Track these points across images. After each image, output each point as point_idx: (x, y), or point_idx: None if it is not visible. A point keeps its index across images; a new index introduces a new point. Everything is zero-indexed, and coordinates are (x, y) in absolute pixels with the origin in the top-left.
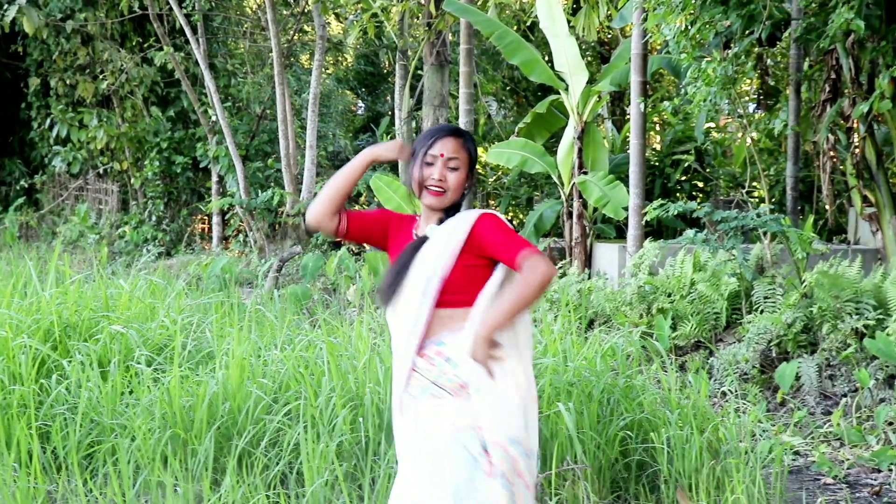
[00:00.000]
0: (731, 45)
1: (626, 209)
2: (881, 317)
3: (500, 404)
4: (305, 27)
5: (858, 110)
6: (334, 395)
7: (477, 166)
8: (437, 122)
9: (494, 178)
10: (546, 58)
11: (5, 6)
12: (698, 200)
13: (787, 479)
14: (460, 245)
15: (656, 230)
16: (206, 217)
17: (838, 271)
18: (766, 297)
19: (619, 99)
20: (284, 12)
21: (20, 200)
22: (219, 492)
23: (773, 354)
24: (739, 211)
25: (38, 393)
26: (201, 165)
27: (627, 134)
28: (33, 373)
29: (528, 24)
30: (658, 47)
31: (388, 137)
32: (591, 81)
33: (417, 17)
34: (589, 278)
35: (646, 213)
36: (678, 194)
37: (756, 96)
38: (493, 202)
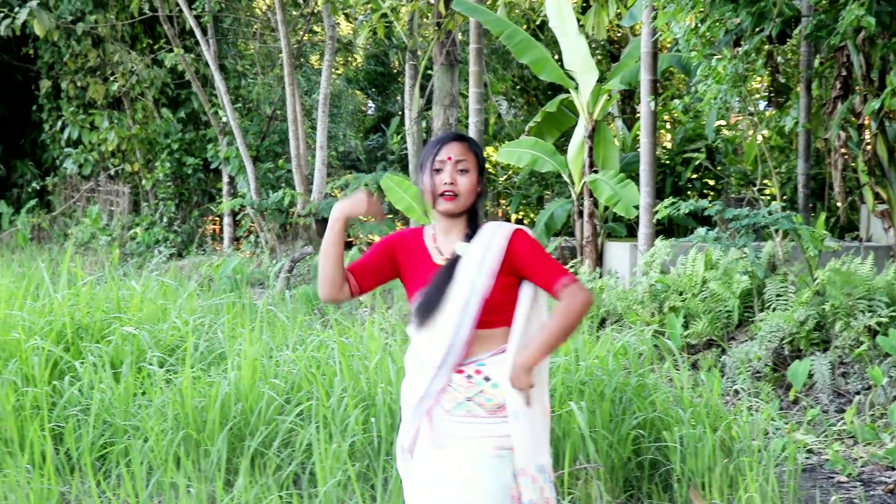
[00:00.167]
0: (742, 42)
1: (637, 208)
2: (894, 314)
3: (532, 431)
4: (315, 28)
5: (870, 107)
6: (346, 396)
7: (486, 171)
8: (448, 122)
9: (505, 177)
10: (556, 57)
11: (16, 9)
12: (709, 198)
13: (801, 478)
14: (498, 265)
15: (667, 228)
16: (217, 218)
17: (850, 268)
18: (778, 295)
19: (629, 97)
20: (294, 13)
21: (32, 202)
22: (231, 492)
23: (786, 352)
24: (751, 209)
25: (51, 394)
26: (212, 166)
27: (638, 132)
28: (46, 374)
29: (538, 23)
30: (668, 45)
31: (399, 137)
32: (602, 80)
33: (427, 17)
34: (600, 277)
35: (657, 212)
36: (689, 192)
37: (767, 94)
38: (503, 201)
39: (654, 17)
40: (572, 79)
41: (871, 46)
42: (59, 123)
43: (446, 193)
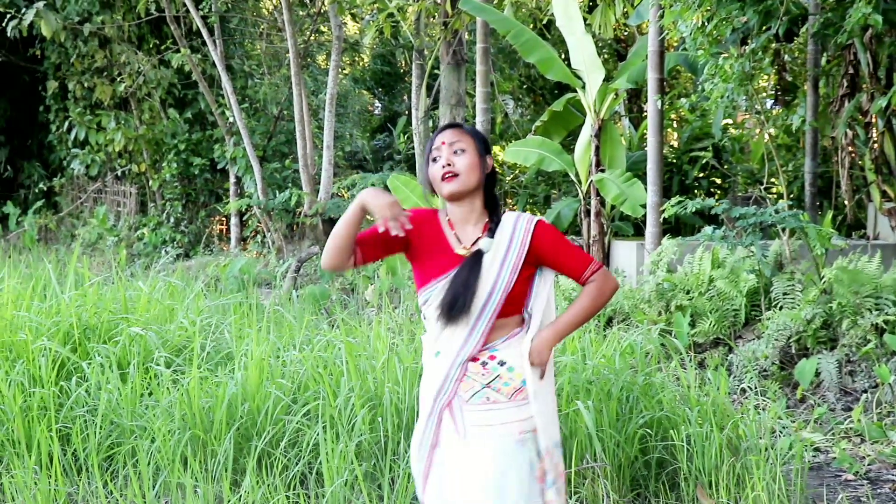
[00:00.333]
0: (748, 41)
1: (643, 206)
2: None
3: (548, 409)
4: (322, 28)
5: (877, 105)
6: (353, 395)
7: (490, 153)
8: (454, 121)
9: (512, 176)
10: (562, 56)
11: (23, 10)
12: (716, 197)
13: (808, 476)
14: (522, 260)
15: (674, 227)
16: (224, 218)
17: (858, 267)
18: (785, 294)
19: (636, 96)
20: (301, 13)
21: (39, 203)
22: (238, 492)
23: (793, 351)
24: (758, 207)
25: (58, 395)
26: (219, 167)
27: (645, 131)
28: (53, 375)
29: (545, 22)
30: (675, 44)
31: (406, 137)
32: (608, 79)
33: (433, 17)
34: None
35: (664, 211)
36: (696, 191)
37: (774, 92)
38: (510, 201)
39: (661, 16)
40: (579, 78)
41: (878, 44)
42: (66, 124)
43: (446, 176)
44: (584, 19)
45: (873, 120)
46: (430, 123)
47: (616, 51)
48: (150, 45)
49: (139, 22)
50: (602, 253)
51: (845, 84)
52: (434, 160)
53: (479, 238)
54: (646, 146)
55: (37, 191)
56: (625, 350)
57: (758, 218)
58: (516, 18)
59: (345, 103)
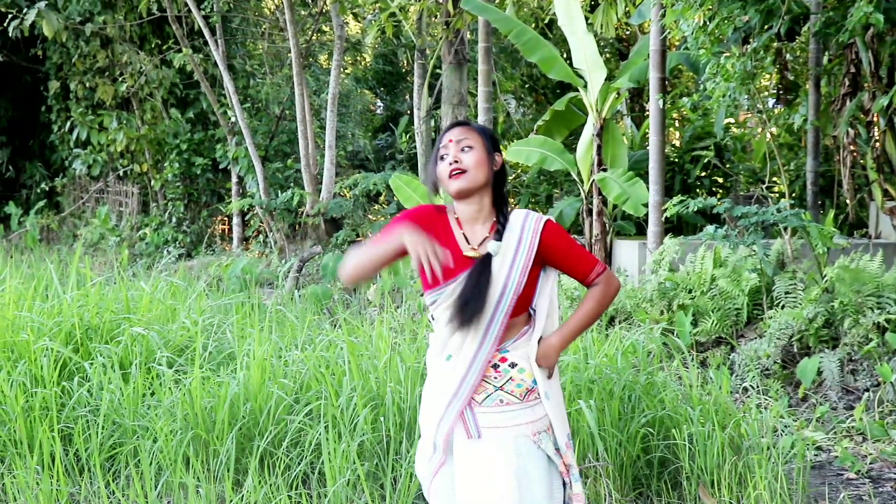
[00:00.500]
0: (750, 40)
1: (645, 206)
2: None
3: (560, 404)
4: (324, 27)
5: (878, 104)
6: (355, 395)
7: (499, 150)
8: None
9: (514, 175)
10: (564, 55)
11: (25, 10)
12: (718, 196)
13: (810, 475)
14: (531, 261)
15: (676, 226)
16: (226, 218)
17: (859, 266)
18: (787, 293)
19: (637, 95)
20: (303, 13)
21: (41, 203)
22: (241, 492)
23: (795, 350)
24: (760, 206)
25: (60, 395)
26: (221, 167)
27: (646, 130)
28: (55, 375)
29: (546, 21)
30: (676, 43)
31: (408, 137)
32: (610, 78)
33: (435, 16)
34: None
35: (666, 210)
36: (698, 190)
37: (775, 91)
38: (512, 200)
39: (663, 15)
40: (581, 77)
41: (879, 43)
42: (68, 124)
43: (453, 172)
44: (586, 18)
45: (875, 119)
46: (433, 123)
47: (618, 50)
48: (152, 45)
49: (141, 22)
50: (604, 252)
51: (847, 83)
52: (442, 158)
53: (486, 238)
54: (648, 145)
55: (39, 191)
56: (627, 349)
57: (760, 217)
58: (518, 18)
59: (347, 103)
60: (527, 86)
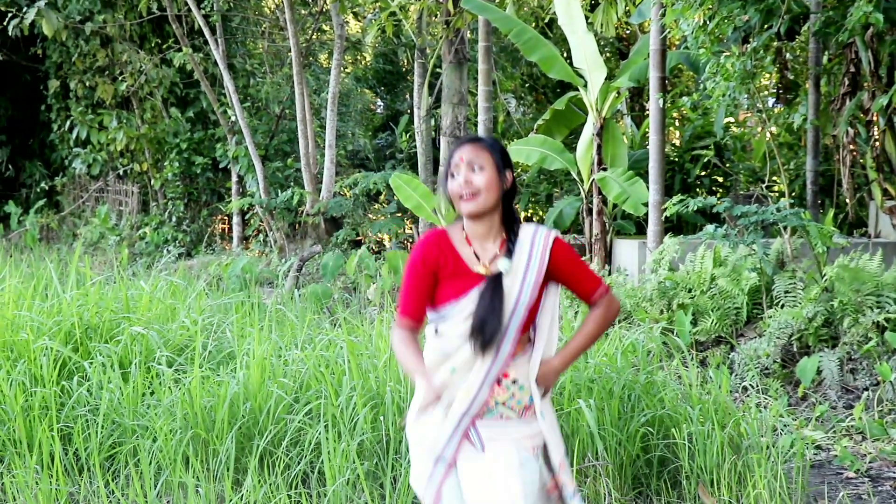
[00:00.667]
0: (750, 39)
1: (645, 205)
2: None
3: (554, 425)
4: (324, 26)
5: (878, 103)
6: (355, 394)
7: (511, 168)
8: (456, 120)
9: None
10: (564, 54)
11: (24, 9)
12: (718, 195)
13: (809, 474)
14: (542, 277)
15: (676, 226)
16: (226, 217)
17: (859, 265)
18: (786, 292)
19: (637, 95)
20: (303, 12)
21: (41, 202)
22: (240, 492)
23: (794, 349)
24: (759, 205)
25: (59, 395)
26: (221, 166)
27: (646, 130)
28: (55, 375)
29: (547, 20)
30: (676, 43)
31: (408, 136)
32: (610, 77)
33: (435, 15)
34: (609, 274)
35: (665, 209)
36: (698, 190)
37: (775, 90)
38: None
39: (663, 15)
40: (581, 76)
41: (879, 43)
42: (68, 123)
43: (464, 195)
44: (586, 18)
45: (874, 118)
46: (433, 122)
47: (618, 49)
48: (152, 44)
49: (141, 21)
50: (604, 251)
51: (846, 82)
52: (452, 176)
53: (496, 255)
54: (648, 144)
55: (38, 190)
56: (627, 348)
57: (759, 216)
58: (518, 17)
59: (347, 102)
60: (527, 85)
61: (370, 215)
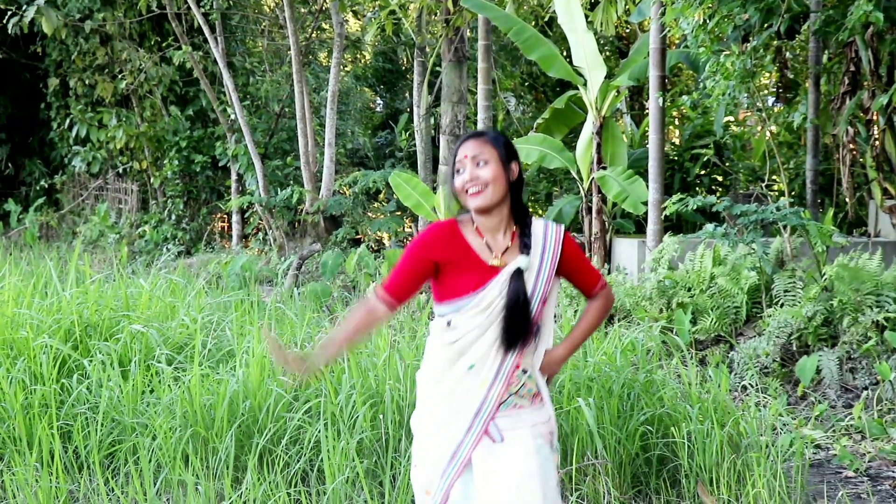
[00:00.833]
0: (750, 38)
1: (645, 204)
2: None
3: (552, 411)
4: (323, 25)
5: (878, 103)
6: (354, 393)
7: (517, 161)
8: (456, 119)
9: None
10: (564, 53)
11: (24, 7)
12: (718, 194)
13: (808, 473)
14: (555, 270)
15: (676, 225)
16: (225, 215)
17: (858, 264)
18: (786, 291)
19: (637, 94)
20: (302, 10)
21: (40, 200)
22: (240, 490)
23: (794, 348)
24: (759, 204)
25: (59, 393)
26: (220, 164)
27: (646, 129)
28: (54, 373)
29: (546, 19)
30: (676, 41)
31: (407, 134)
32: (610, 76)
33: (435, 14)
34: (608, 273)
35: (665, 208)
36: (697, 188)
37: (775, 89)
38: None
39: (663, 14)
40: (581, 75)
41: (879, 42)
42: (68, 121)
43: (470, 190)
44: (586, 16)
45: (874, 117)
46: (432, 121)
47: (618, 48)
48: (152, 43)
49: (140, 19)
50: (604, 250)
51: (846, 81)
52: (458, 172)
53: (508, 247)
54: (647, 143)
55: (38, 188)
56: (626, 347)
57: (759, 215)
58: (518, 16)
59: (346, 100)
60: (526, 84)
61: (369, 214)
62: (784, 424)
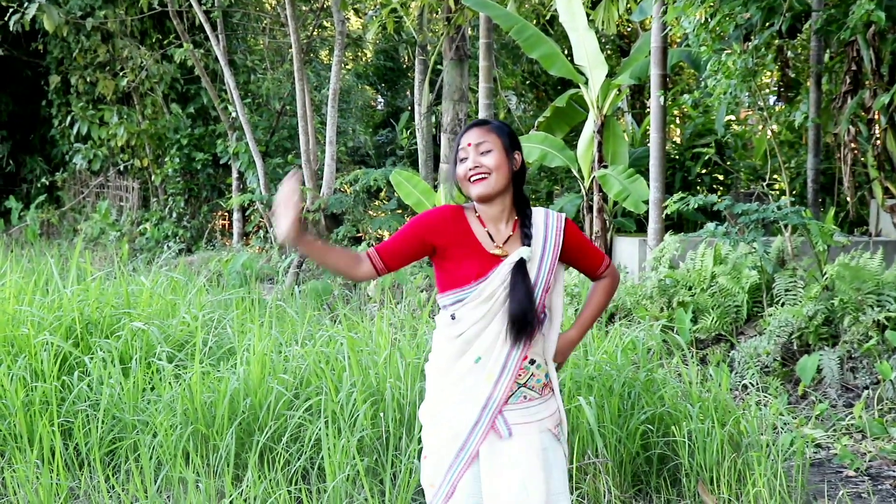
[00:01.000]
0: (752, 37)
1: (646, 203)
2: None
3: (561, 402)
4: (325, 23)
5: (879, 102)
6: (355, 391)
7: (519, 149)
8: (457, 117)
9: None
10: (565, 52)
11: (25, 4)
12: (719, 193)
13: (809, 472)
14: (557, 258)
15: (677, 223)
16: (226, 213)
17: (860, 263)
18: (787, 290)
19: (638, 92)
20: (304, 8)
21: (41, 198)
22: (240, 487)
23: (795, 347)
24: (760, 203)
25: (60, 390)
26: (221, 162)
27: (647, 127)
28: (55, 370)
29: (548, 17)
30: (678, 40)
31: (408, 133)
32: (611, 75)
33: (436, 12)
34: None
35: (666, 207)
36: (698, 187)
37: (776, 88)
38: None
39: (664, 12)
40: (582, 74)
41: (881, 41)
42: (69, 119)
43: (473, 178)
44: (588, 15)
45: (876, 116)
46: (433, 119)
47: (619, 47)
48: (153, 40)
49: (142, 17)
50: (604, 249)
51: (848, 81)
52: (461, 160)
53: (510, 237)
54: (648, 142)
55: (39, 185)
56: (627, 346)
57: (760, 214)
58: (519, 14)
59: (347, 99)
60: (528, 82)
61: (370, 212)
62: (785, 424)
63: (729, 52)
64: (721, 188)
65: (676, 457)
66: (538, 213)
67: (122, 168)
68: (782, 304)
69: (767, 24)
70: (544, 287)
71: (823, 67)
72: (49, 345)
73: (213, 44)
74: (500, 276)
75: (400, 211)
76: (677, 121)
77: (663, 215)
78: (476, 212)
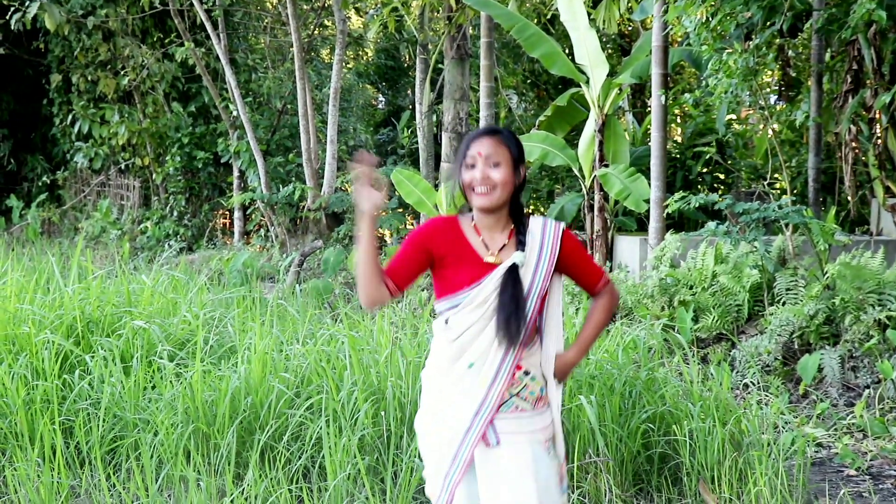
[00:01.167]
0: (753, 36)
1: (647, 202)
2: None
3: (559, 416)
4: (326, 22)
5: (881, 101)
6: (356, 389)
7: (524, 161)
8: (458, 116)
9: None
10: (566, 51)
11: (27, 3)
12: (720, 192)
13: (810, 471)
14: (553, 267)
15: (678, 222)
16: (227, 212)
17: (861, 262)
18: (788, 289)
19: (639, 91)
20: (305, 7)
21: (42, 196)
22: (241, 486)
23: (796, 346)
24: (761, 203)
25: (61, 388)
26: (222, 161)
27: (648, 126)
28: (56, 368)
29: (549, 16)
30: (679, 39)
31: (409, 131)
32: (612, 74)
33: (438, 11)
34: (610, 271)
35: (667, 206)
36: (699, 186)
37: (777, 87)
38: None
39: (665, 11)
40: (583, 73)
41: (882, 40)
42: (70, 117)
43: (478, 190)
44: (589, 14)
45: (877, 116)
46: (434, 118)
47: (620, 46)
48: (154, 39)
49: (143, 15)
50: (605, 248)
51: (849, 80)
52: (470, 167)
53: (504, 245)
54: (649, 141)
55: (40, 184)
56: (628, 345)
57: (761, 213)
58: (520, 13)
59: (348, 97)
60: (529, 81)
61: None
62: (786, 423)
63: (730, 51)
64: (722, 187)
65: (677, 456)
66: (536, 221)
67: (123, 167)
68: (783, 304)
69: (768, 23)
70: (539, 294)
71: (824, 66)
72: (50, 343)
73: (215, 42)
74: (493, 282)
75: (401, 210)
76: (678, 120)
77: (664, 214)
78: (472, 220)
